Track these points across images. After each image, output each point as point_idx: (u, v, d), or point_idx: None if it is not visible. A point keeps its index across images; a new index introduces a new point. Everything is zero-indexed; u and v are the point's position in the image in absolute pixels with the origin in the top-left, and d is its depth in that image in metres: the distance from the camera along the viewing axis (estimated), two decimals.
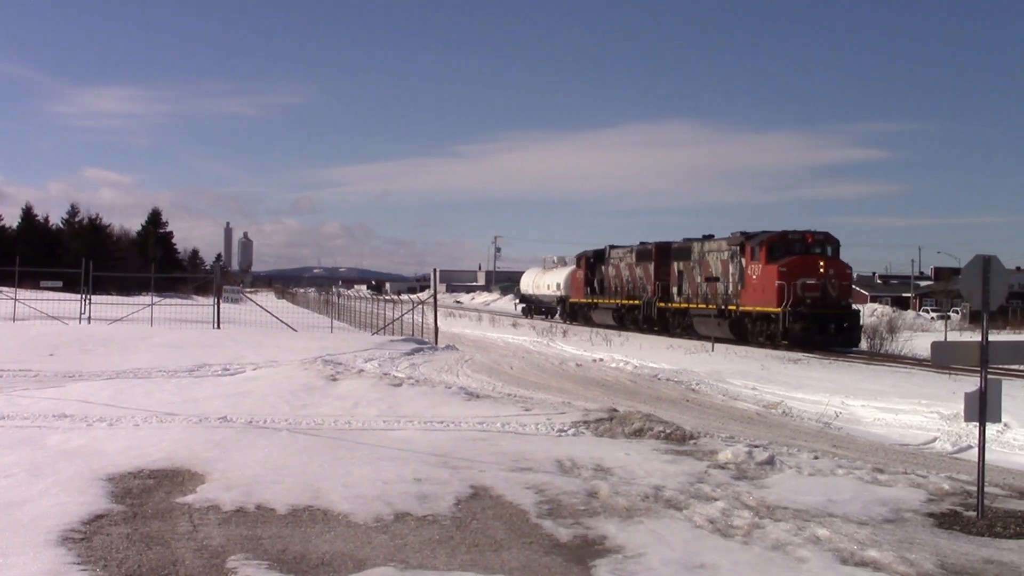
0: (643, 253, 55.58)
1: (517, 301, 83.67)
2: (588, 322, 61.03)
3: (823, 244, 43.08)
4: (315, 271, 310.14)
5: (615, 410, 16.43)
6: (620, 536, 8.56)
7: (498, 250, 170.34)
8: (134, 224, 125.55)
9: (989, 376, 9.89)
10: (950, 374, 28.04)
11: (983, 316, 10.10)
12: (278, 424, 14.38)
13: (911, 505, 10.18)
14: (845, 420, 20.10)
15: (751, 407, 22.03)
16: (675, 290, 51.00)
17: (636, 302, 55.08)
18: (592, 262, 62.39)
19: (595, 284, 61.69)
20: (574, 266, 67.32)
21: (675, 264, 51.34)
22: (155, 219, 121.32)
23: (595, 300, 61.00)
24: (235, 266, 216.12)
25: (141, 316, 38.68)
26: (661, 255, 53.15)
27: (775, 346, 41.10)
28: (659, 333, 50.88)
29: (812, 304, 40.56)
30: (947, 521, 9.56)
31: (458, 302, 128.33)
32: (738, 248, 44.72)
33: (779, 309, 40.66)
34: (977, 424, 9.98)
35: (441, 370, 25.72)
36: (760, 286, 42.58)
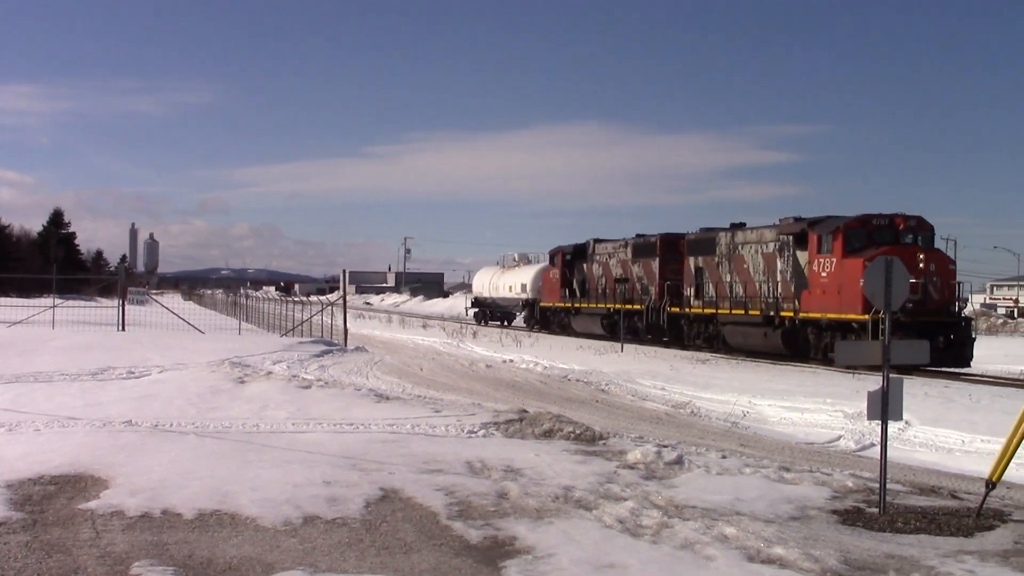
0: (643, 247, 46.28)
1: (468, 305, 73.71)
2: (566, 331, 52.33)
3: (915, 231, 33.08)
4: (223, 272, 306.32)
5: (525, 411, 16.46)
6: (530, 537, 8.58)
7: (408, 251, 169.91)
8: (35, 225, 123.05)
9: (891, 375, 10.10)
10: (854, 373, 28.54)
11: (885, 316, 10.31)
12: (185, 427, 14.17)
13: (816, 503, 10.36)
14: (752, 419, 20.37)
15: (660, 407, 22.22)
16: (690, 292, 41.42)
17: (635, 307, 45.36)
18: (570, 259, 53.37)
19: (574, 286, 52.50)
20: (544, 264, 58.85)
21: (691, 260, 41.62)
22: (57, 219, 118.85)
23: (576, 304, 51.64)
24: (141, 267, 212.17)
25: (42, 318, 37.78)
26: (668, 249, 44.29)
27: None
28: (669, 345, 42.14)
29: (913, 310, 29.30)
30: (850, 518, 9.74)
31: (368, 303, 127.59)
32: (790, 238, 35.29)
33: (866, 317, 29.32)
34: (880, 422, 10.19)
35: (351, 372, 25.57)
36: (833, 286, 32.54)
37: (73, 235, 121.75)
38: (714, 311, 39.34)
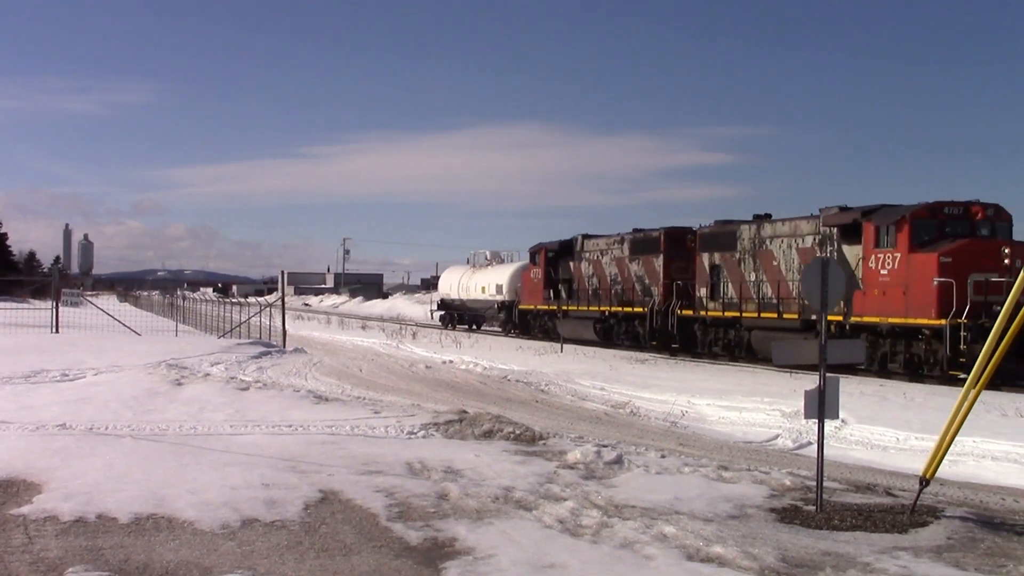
0: (643, 243, 41.30)
1: (433, 308, 68.40)
2: (549, 336, 46.98)
3: (993, 222, 28.42)
4: (159, 274, 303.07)
5: (465, 412, 16.46)
6: (470, 538, 8.57)
7: (347, 252, 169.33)
8: None
9: (828, 374, 10.21)
10: (791, 373, 28.81)
11: (822, 315, 10.42)
12: (120, 431, 14.00)
13: (754, 501, 10.44)
14: (691, 419, 20.49)
15: (599, 407, 22.30)
16: (704, 292, 36.28)
17: (635, 310, 40.57)
18: (554, 257, 48.34)
19: (560, 286, 47.49)
20: (522, 263, 54.05)
21: (704, 256, 36.50)
22: None
23: (563, 307, 46.36)
24: (75, 269, 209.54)
25: None
26: (673, 245, 39.55)
27: (929, 378, 26.94)
28: (679, 354, 37.84)
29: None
30: (788, 516, 9.84)
31: (307, 305, 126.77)
32: (834, 230, 30.44)
33: (941, 322, 25.56)
34: (816, 421, 10.30)
35: (289, 373, 25.41)
36: (896, 286, 27.87)
37: (4, 236, 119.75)
38: (737, 314, 34.27)
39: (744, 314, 33.88)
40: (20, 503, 9.62)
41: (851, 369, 28.13)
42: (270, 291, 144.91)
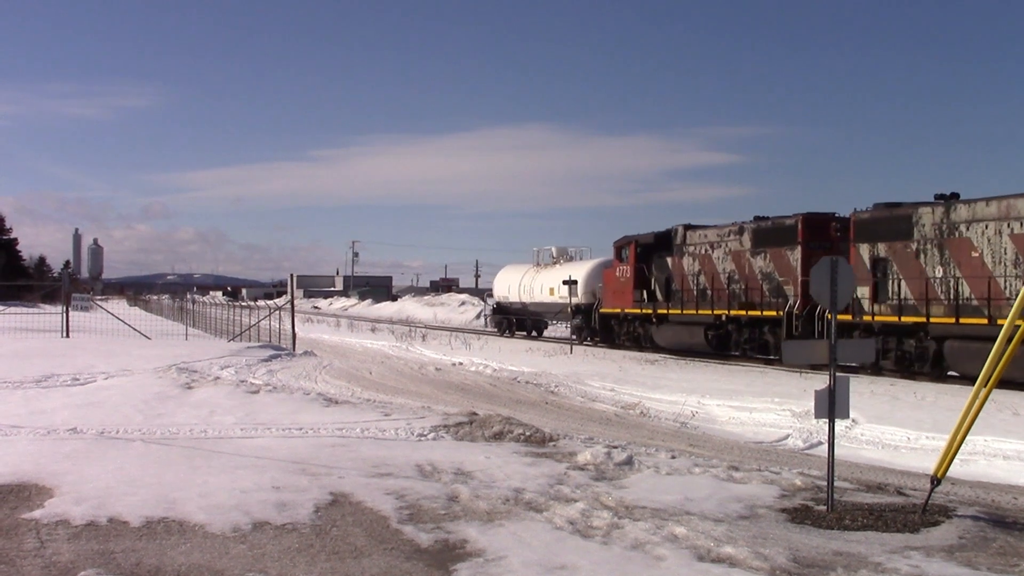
0: (771, 233, 34.32)
1: (488, 312, 62.95)
2: (639, 344, 41.65)
3: None
4: (169, 278, 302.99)
5: (475, 414, 16.45)
6: (481, 539, 8.57)
7: (356, 255, 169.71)
8: None
9: (838, 374, 10.19)
10: (801, 372, 28.78)
11: (832, 315, 10.40)
12: (131, 434, 14.02)
13: (765, 501, 10.42)
14: (701, 419, 20.48)
15: (610, 408, 22.29)
16: (863, 292, 29.12)
17: (764, 314, 33.66)
18: (647, 252, 41.56)
19: (654, 286, 40.97)
20: (602, 260, 48.23)
21: (862, 248, 29.80)
22: None
23: (660, 310, 39.42)
24: (85, 273, 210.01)
25: None
26: (815, 234, 32.65)
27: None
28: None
29: None
30: (799, 516, 9.81)
31: (316, 308, 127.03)
32: None
33: None
34: (827, 420, 10.27)
35: (299, 376, 25.44)
36: None
37: (14, 241, 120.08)
38: (920, 319, 27.31)
39: (932, 319, 26.87)
40: (32, 507, 9.64)
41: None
42: (279, 294, 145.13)
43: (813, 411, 10.48)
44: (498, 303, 58.59)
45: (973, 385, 9.80)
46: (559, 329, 55.72)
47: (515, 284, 55.15)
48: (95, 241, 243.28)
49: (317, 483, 10.78)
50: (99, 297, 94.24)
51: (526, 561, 7.93)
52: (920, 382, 26.07)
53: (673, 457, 13.18)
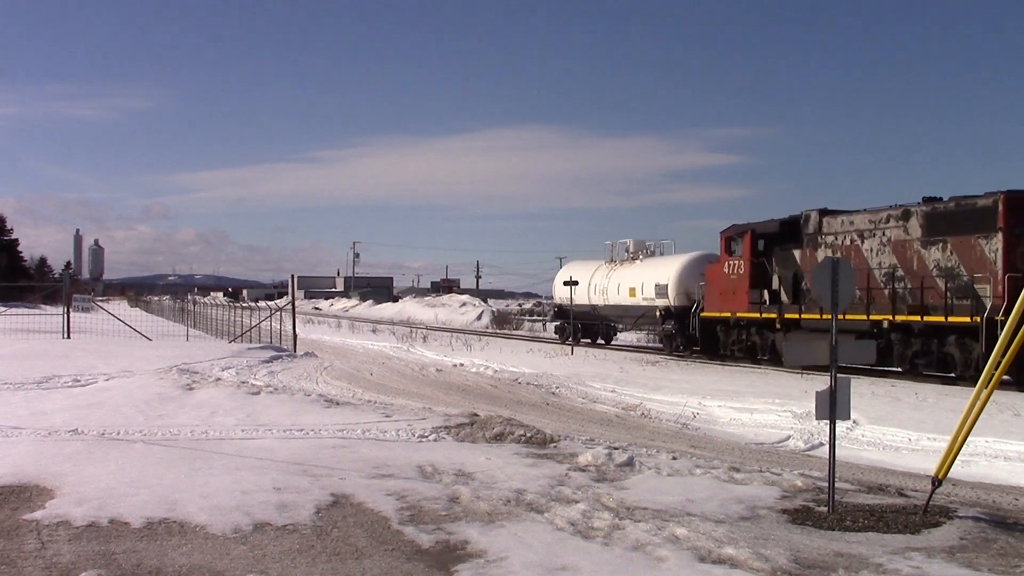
0: (954, 217, 27.58)
1: (548, 318, 56.12)
2: (753, 356, 34.60)
3: None
4: (170, 278, 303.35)
5: (476, 415, 16.46)
6: (482, 540, 8.57)
7: (357, 256, 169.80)
8: None
9: (839, 375, 10.19)
10: (802, 374, 28.77)
11: (832, 316, 10.39)
12: (132, 435, 14.02)
13: (766, 502, 10.42)
14: (702, 420, 20.50)
15: (611, 409, 22.30)
16: None
17: (948, 320, 26.36)
18: (768, 243, 34.49)
19: (777, 285, 33.85)
20: (698, 254, 41.12)
21: None
22: None
23: (786, 315, 32.28)
24: (86, 274, 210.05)
25: None
26: (1021, 217, 25.94)
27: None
28: None
29: None
30: (800, 517, 9.81)
31: (317, 309, 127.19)
32: None
33: None
34: (828, 422, 10.27)
35: (300, 377, 25.45)
36: None
37: (16, 242, 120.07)
38: None
39: None
40: (33, 508, 9.64)
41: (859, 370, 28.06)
42: (280, 295, 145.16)
43: (814, 412, 10.48)
44: (559, 306, 50.51)
45: (974, 387, 9.80)
46: (629, 337, 50.51)
47: (583, 284, 46.99)
48: (96, 242, 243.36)
49: (318, 484, 10.78)
50: (100, 298, 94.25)
51: (527, 562, 7.93)
52: (922, 383, 26.07)
53: (674, 458, 13.18)
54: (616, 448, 13.50)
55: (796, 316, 31.40)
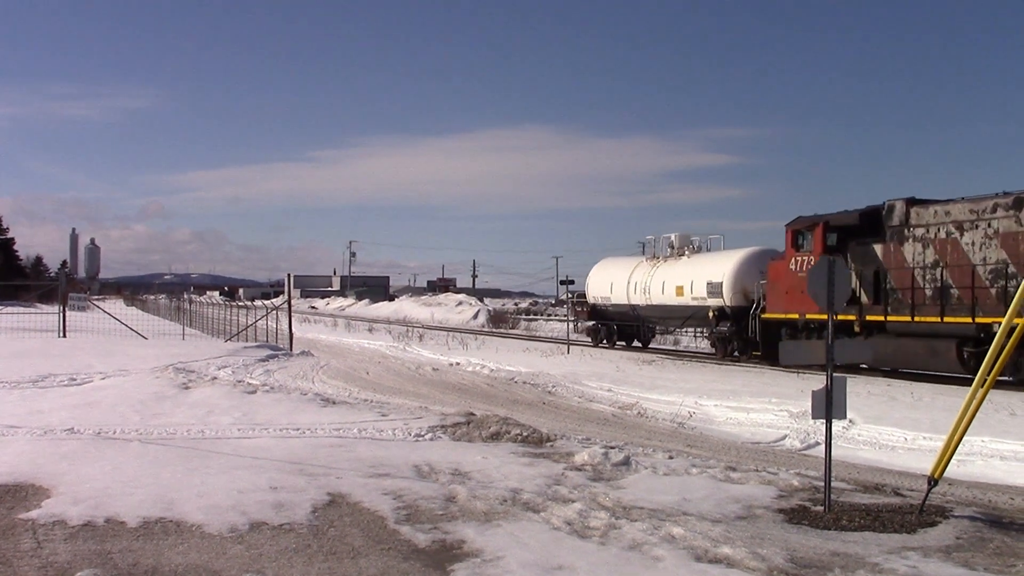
0: None
1: (575, 319, 50.29)
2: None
3: None
4: (166, 277, 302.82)
5: (472, 414, 16.45)
6: (478, 540, 8.56)
7: (353, 255, 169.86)
8: None
9: (835, 374, 10.19)
10: (798, 373, 28.78)
11: (828, 316, 10.39)
12: (128, 434, 14.01)
13: (762, 502, 10.42)
14: (699, 420, 20.49)
15: (607, 408, 22.30)
16: None
17: None
18: (843, 237, 30.85)
19: (855, 282, 28.80)
20: (756, 249, 37.65)
21: None
22: None
23: (873, 316, 28.85)
24: (82, 273, 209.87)
25: None
26: None
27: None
28: None
29: None
30: (796, 516, 9.81)
31: (313, 308, 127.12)
32: None
33: None
34: (824, 421, 10.28)
35: (296, 376, 25.44)
36: None
37: (12, 241, 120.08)
38: None
39: None
40: (29, 507, 9.62)
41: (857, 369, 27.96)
42: (276, 294, 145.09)
43: (810, 411, 10.48)
44: (593, 306, 47.14)
45: (970, 386, 9.81)
46: (669, 340, 47.92)
47: (620, 282, 43.84)
48: (92, 241, 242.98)
49: (314, 483, 10.78)
50: (96, 297, 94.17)
51: (523, 561, 7.93)
52: (917, 382, 26.09)
53: (671, 457, 13.18)
54: (612, 447, 13.50)
55: (881, 318, 28.54)
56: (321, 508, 9.74)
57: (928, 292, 27.15)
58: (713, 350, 38.18)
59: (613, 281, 44.67)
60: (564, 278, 45.04)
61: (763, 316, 33.71)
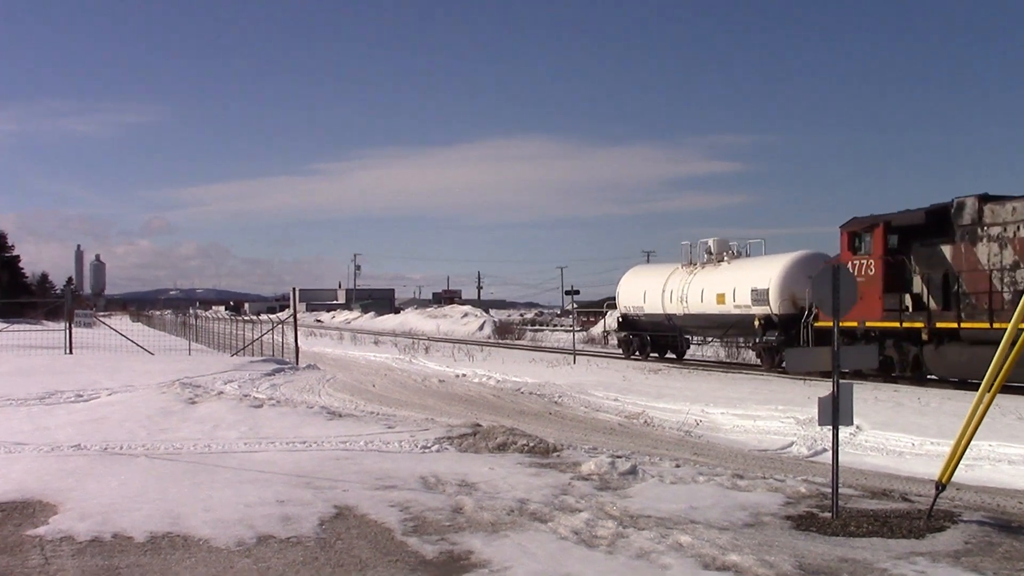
0: None
1: (606, 329, 50.13)
2: (900, 376, 28.33)
3: None
4: (171, 293, 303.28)
5: (479, 425, 16.45)
6: (486, 551, 8.56)
7: (358, 268, 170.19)
8: None
9: (841, 381, 10.18)
10: (805, 380, 28.73)
11: (834, 322, 10.38)
12: (135, 450, 14.01)
13: (770, 509, 10.41)
14: (705, 428, 20.47)
15: (613, 418, 22.28)
16: None
17: None
18: (902, 239, 28.90)
19: (921, 287, 27.94)
20: (805, 252, 35.74)
21: None
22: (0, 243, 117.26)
23: (944, 323, 26.43)
24: (87, 290, 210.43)
25: None
26: None
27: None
28: None
29: None
30: (804, 523, 9.79)
31: (319, 321, 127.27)
32: None
33: None
34: (831, 428, 10.26)
35: (302, 390, 25.45)
36: None
37: (17, 258, 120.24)
38: None
39: None
40: (36, 524, 9.63)
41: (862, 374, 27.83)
42: (282, 308, 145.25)
43: (817, 418, 10.47)
44: (624, 315, 44.61)
45: (977, 390, 9.79)
46: (707, 351, 45.31)
47: (654, 290, 41.50)
48: (97, 257, 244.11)
49: (321, 496, 10.78)
50: (102, 313, 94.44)
51: (531, 571, 7.92)
52: (924, 388, 26.05)
53: (677, 466, 13.17)
54: (619, 456, 13.49)
55: (953, 325, 26.02)
56: (328, 521, 9.74)
57: (1007, 296, 24.52)
58: (759, 361, 35.81)
59: (646, 289, 42.30)
60: (569, 288, 44.95)
61: (816, 324, 31.17)
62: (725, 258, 39.20)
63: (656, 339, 42.60)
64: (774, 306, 34.26)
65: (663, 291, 40.77)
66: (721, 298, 36.90)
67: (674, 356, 42.18)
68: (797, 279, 33.62)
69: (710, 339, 43.09)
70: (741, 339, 38.98)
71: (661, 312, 40.90)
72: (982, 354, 23.34)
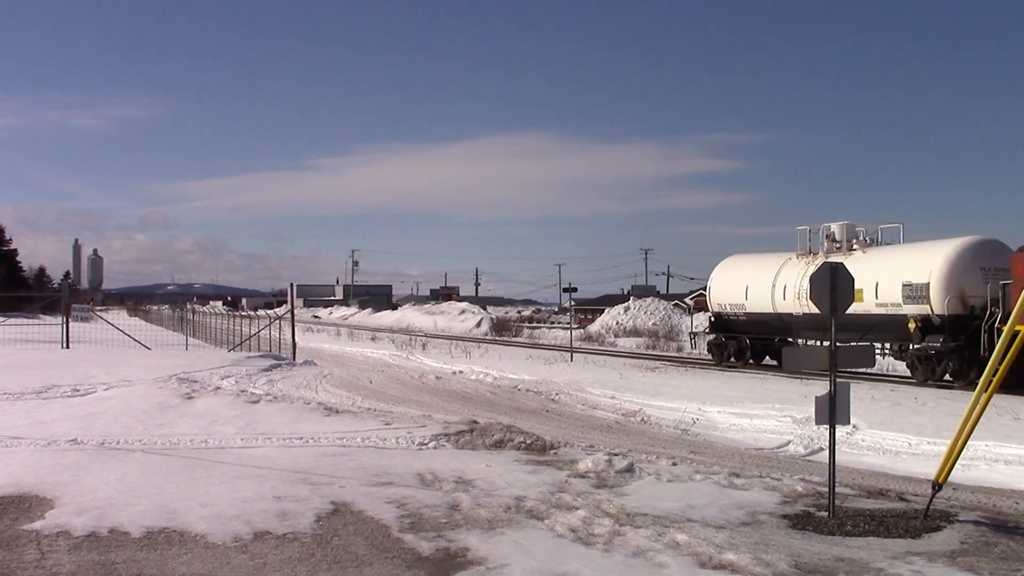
0: None
1: (701, 329, 44.25)
2: None
3: None
4: (169, 288, 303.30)
5: (476, 422, 16.44)
6: (482, 548, 8.55)
7: (356, 264, 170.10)
8: None
9: (838, 380, 10.18)
10: (802, 379, 28.76)
11: (831, 322, 10.38)
12: (132, 445, 14.00)
13: (766, 508, 10.41)
14: (702, 426, 20.47)
15: (610, 416, 22.27)
16: None
17: None
18: None
19: None
20: (978, 238, 29.70)
21: None
22: None
23: None
24: (84, 284, 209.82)
25: None
26: None
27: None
28: None
29: None
30: (801, 522, 9.80)
31: (316, 317, 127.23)
32: None
33: None
34: (828, 426, 10.26)
35: (300, 386, 25.42)
36: None
37: (14, 252, 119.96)
38: None
39: None
40: (32, 518, 9.62)
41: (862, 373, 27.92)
42: (279, 304, 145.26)
43: (814, 417, 10.47)
44: (717, 314, 38.84)
45: (974, 391, 9.79)
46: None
47: (762, 285, 35.80)
48: (95, 251, 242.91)
49: (318, 492, 10.77)
50: (99, 308, 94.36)
51: (528, 569, 7.92)
52: (921, 387, 26.06)
53: (674, 464, 13.17)
54: (616, 454, 13.49)
55: None
56: (325, 517, 9.74)
57: None
58: (909, 372, 30.00)
59: (749, 284, 36.60)
60: (567, 285, 45.05)
61: (1002, 327, 25.20)
62: (855, 246, 33.56)
63: (756, 342, 37.24)
64: (936, 304, 28.48)
65: (773, 285, 35.22)
66: (859, 295, 28.43)
67: (775, 363, 35.25)
68: (968, 271, 28.42)
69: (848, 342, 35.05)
70: (883, 345, 31.17)
71: (771, 311, 35.36)
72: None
